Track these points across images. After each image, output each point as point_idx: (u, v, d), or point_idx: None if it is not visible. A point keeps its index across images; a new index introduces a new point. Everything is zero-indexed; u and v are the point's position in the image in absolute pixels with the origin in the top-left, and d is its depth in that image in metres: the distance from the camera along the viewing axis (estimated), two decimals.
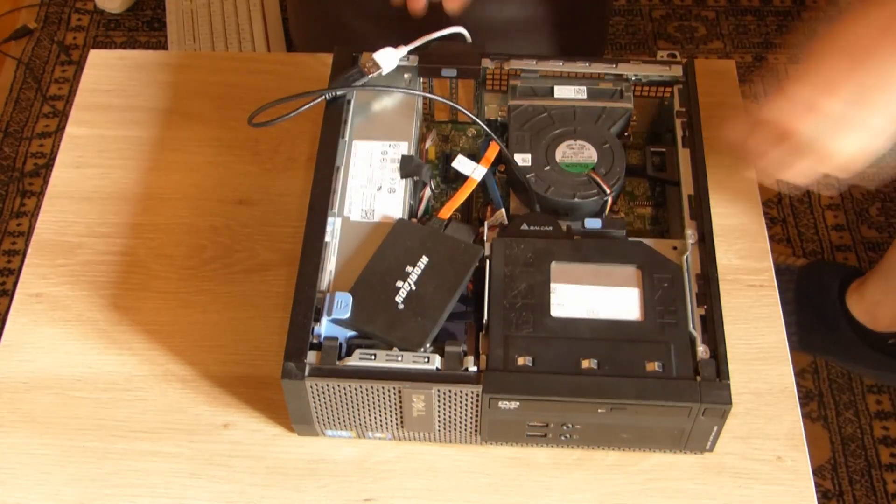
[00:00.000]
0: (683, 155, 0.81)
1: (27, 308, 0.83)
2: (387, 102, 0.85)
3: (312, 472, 0.75)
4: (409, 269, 0.73)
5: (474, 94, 0.87)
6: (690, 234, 0.75)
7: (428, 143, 0.86)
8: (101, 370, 0.80)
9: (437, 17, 1.10)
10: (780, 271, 0.99)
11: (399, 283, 0.72)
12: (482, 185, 0.81)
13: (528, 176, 0.79)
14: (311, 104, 0.81)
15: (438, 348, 0.70)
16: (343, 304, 0.71)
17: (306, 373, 0.68)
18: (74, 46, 1.77)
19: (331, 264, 0.75)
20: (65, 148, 0.93)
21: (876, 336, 1.35)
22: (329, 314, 0.71)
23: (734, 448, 0.75)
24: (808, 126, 0.70)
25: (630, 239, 0.76)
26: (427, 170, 0.81)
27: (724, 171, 0.90)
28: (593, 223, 0.76)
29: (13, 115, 1.67)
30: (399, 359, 0.69)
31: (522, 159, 0.80)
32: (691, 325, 0.71)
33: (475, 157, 0.83)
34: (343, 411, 0.72)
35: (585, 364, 0.69)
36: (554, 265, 0.74)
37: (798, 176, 0.73)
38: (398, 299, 0.71)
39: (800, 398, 0.78)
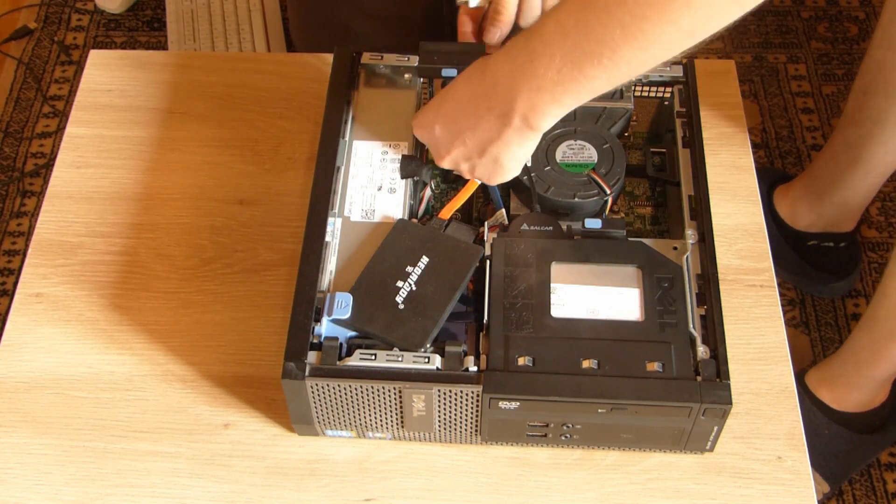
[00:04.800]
0: (683, 155, 0.81)
1: (27, 308, 0.83)
2: (387, 102, 0.85)
3: (312, 472, 0.75)
4: (409, 269, 0.73)
5: None
6: (690, 234, 0.75)
7: None
8: (101, 370, 0.80)
9: (437, 16, 1.10)
10: None
11: (399, 283, 0.72)
12: (483, 185, 0.81)
13: (527, 176, 0.79)
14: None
15: (439, 348, 0.70)
16: (343, 304, 0.71)
17: (306, 373, 0.68)
18: (74, 46, 1.77)
19: (331, 264, 0.75)
20: (65, 148, 0.93)
21: (796, 234, 1.41)
22: (329, 314, 0.71)
23: (734, 448, 0.75)
24: (468, 173, 0.76)
25: (630, 239, 0.76)
26: (427, 170, 0.81)
27: (724, 171, 0.91)
28: (593, 223, 0.76)
29: (13, 115, 1.67)
30: (399, 359, 0.69)
31: None
32: (691, 325, 0.71)
33: None
34: (343, 411, 0.72)
35: (586, 364, 0.69)
36: (554, 265, 0.74)
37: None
38: (398, 299, 0.71)
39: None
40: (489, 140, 0.72)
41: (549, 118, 0.69)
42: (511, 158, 0.73)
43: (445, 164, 0.76)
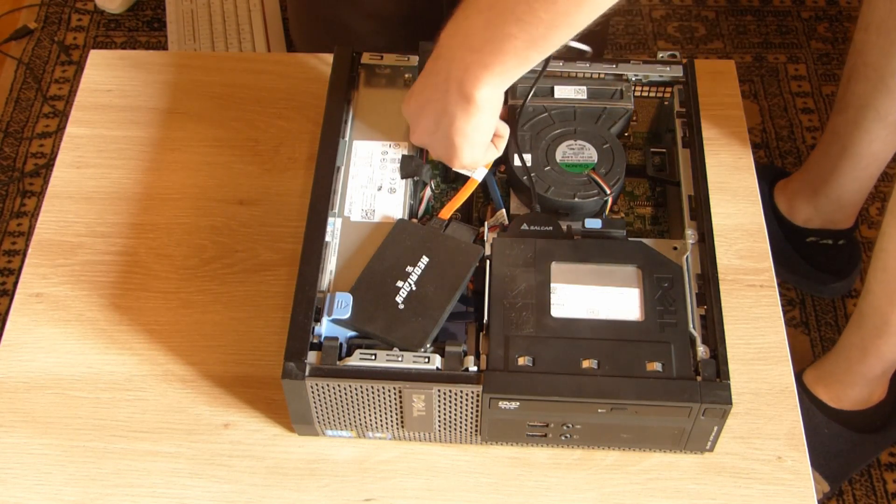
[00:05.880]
0: (683, 155, 0.81)
1: (27, 308, 0.83)
2: (387, 102, 0.85)
3: (312, 472, 0.75)
4: (409, 269, 0.73)
5: None
6: (690, 234, 0.75)
7: None
8: (101, 370, 0.80)
9: (437, 16, 1.10)
10: None
11: (399, 283, 0.72)
12: (483, 185, 0.81)
13: (527, 176, 0.79)
14: None
15: (439, 348, 0.70)
16: (343, 304, 0.71)
17: (307, 373, 0.68)
18: (74, 46, 1.77)
19: (331, 264, 0.75)
20: (65, 148, 0.93)
21: (795, 229, 1.41)
22: (329, 314, 0.71)
23: (734, 448, 0.75)
24: (433, 152, 0.77)
25: (630, 239, 0.76)
26: (427, 170, 0.81)
27: (724, 171, 0.91)
28: (593, 223, 0.76)
29: (13, 115, 1.67)
30: (399, 359, 0.69)
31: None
32: (691, 325, 0.71)
33: None
34: (343, 411, 0.72)
35: (586, 364, 0.69)
36: (554, 265, 0.74)
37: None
38: (398, 299, 0.71)
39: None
40: (441, 112, 0.71)
41: (485, 87, 0.68)
42: (460, 135, 0.72)
43: (416, 140, 0.77)
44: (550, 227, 0.76)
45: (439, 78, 0.70)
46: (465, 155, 0.74)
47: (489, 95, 0.69)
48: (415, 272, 0.73)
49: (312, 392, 0.69)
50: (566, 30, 0.64)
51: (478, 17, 0.66)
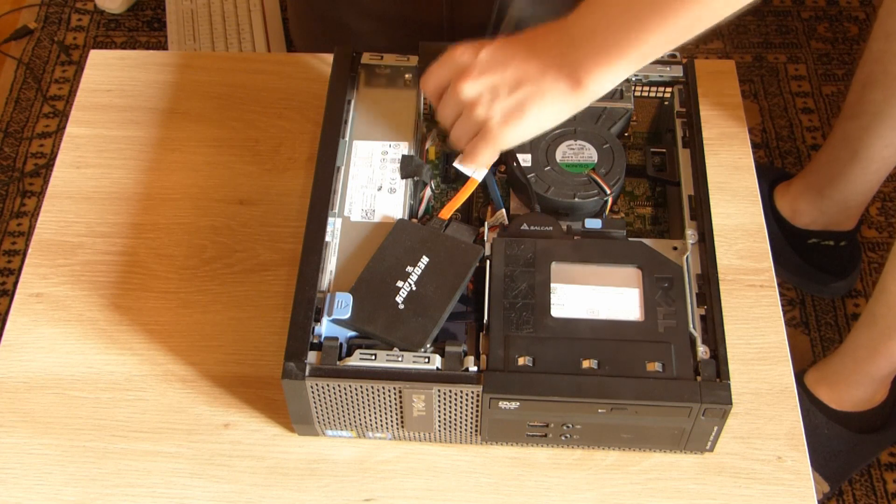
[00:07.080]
0: (683, 155, 0.81)
1: (27, 308, 0.83)
2: (387, 102, 0.85)
3: (312, 472, 0.75)
4: (409, 269, 0.73)
5: None
6: (690, 234, 0.75)
7: (428, 143, 0.86)
8: (101, 370, 0.80)
9: (437, 16, 1.10)
10: None
11: (399, 283, 0.72)
12: (483, 185, 0.81)
13: (528, 176, 0.79)
14: None
15: (439, 348, 0.70)
16: (343, 304, 0.71)
17: (307, 373, 0.68)
18: (74, 46, 1.77)
19: (331, 264, 0.75)
20: (65, 148, 0.93)
21: (797, 232, 1.41)
22: (329, 314, 0.71)
23: (734, 448, 0.75)
24: (482, 108, 0.73)
25: (630, 239, 0.76)
26: (427, 170, 0.81)
27: (724, 171, 0.91)
28: (593, 223, 0.76)
29: (13, 115, 1.67)
30: (399, 359, 0.69)
31: (523, 159, 0.81)
32: (691, 325, 0.71)
33: None
34: (343, 411, 0.72)
35: (586, 364, 0.69)
36: (554, 265, 0.74)
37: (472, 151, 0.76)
38: (398, 299, 0.71)
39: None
40: (531, 79, 0.70)
41: (600, 82, 0.68)
42: (537, 110, 0.71)
43: (467, 88, 0.72)
44: (550, 227, 0.76)
45: (550, 51, 0.69)
46: (525, 128, 0.72)
47: (599, 89, 0.69)
48: (415, 272, 0.73)
49: (312, 392, 0.69)
50: (707, 23, 0.65)
51: (608, 25, 0.67)
